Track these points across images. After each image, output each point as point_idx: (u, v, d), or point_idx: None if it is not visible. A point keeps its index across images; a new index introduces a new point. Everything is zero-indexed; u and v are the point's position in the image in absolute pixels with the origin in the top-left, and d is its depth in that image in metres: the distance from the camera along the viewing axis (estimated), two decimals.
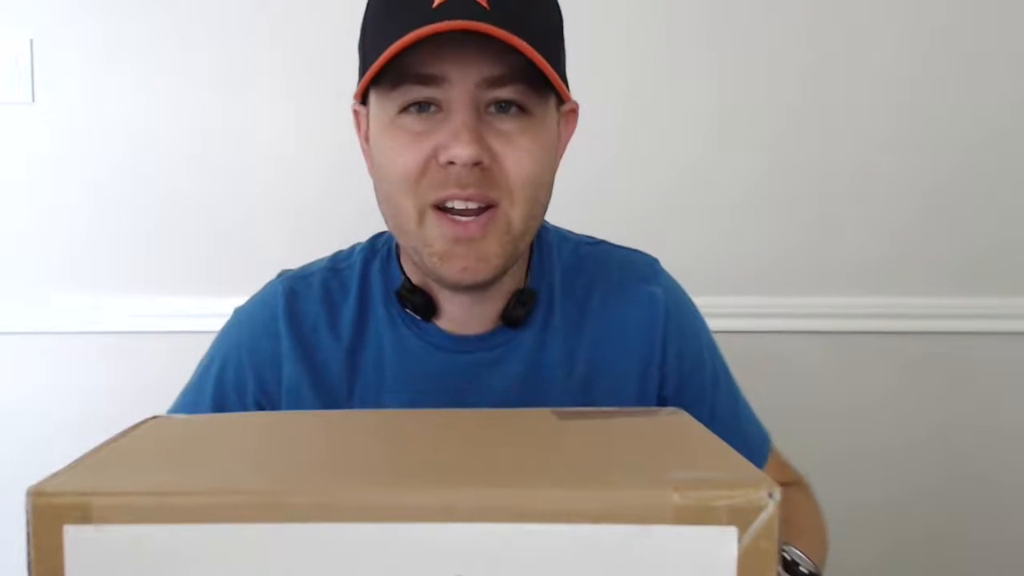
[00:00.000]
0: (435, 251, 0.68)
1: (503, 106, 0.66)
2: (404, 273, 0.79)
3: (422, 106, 0.67)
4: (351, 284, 0.79)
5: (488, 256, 0.68)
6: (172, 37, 1.45)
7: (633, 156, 1.46)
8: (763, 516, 0.40)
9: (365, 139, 0.74)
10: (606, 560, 0.40)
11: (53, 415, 1.47)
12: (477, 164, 0.65)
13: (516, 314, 0.77)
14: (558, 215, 0.81)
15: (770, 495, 0.40)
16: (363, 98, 0.72)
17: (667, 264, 0.86)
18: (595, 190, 1.43)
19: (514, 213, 0.68)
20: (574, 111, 0.76)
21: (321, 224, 1.42)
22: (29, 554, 0.41)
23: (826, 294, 1.49)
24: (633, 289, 0.80)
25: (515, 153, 0.66)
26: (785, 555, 0.57)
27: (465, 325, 0.78)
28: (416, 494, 0.41)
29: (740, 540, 0.40)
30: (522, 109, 0.67)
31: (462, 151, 0.64)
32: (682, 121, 1.46)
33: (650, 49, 1.44)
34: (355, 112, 0.76)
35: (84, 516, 0.40)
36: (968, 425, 1.51)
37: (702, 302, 0.87)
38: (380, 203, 0.73)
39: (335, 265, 0.81)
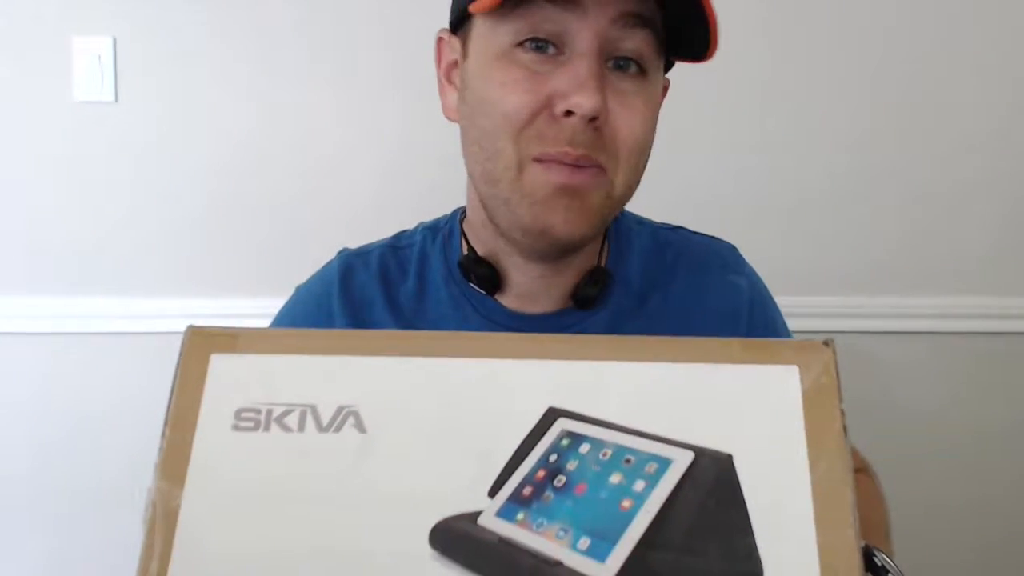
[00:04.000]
0: (537, 199, 0.62)
1: (622, 64, 0.62)
2: (469, 244, 0.74)
3: (540, 44, 0.61)
4: (410, 263, 0.76)
5: (591, 210, 0.63)
6: (253, 35, 1.44)
7: (721, 153, 1.47)
8: (821, 355, 0.46)
9: (447, 73, 0.69)
10: (682, 393, 0.45)
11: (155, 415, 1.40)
12: (593, 120, 0.60)
13: (588, 293, 0.71)
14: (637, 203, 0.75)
15: (825, 343, 0.46)
16: (456, 26, 0.67)
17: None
18: (677, 183, 1.37)
19: (618, 179, 0.64)
20: (666, 88, 0.71)
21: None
22: (174, 382, 0.46)
23: (909, 295, 1.48)
24: (716, 277, 0.76)
25: (629, 114, 0.62)
26: (875, 560, 0.55)
27: (533, 301, 0.72)
28: (513, 337, 0.48)
29: (802, 377, 0.45)
30: (641, 69, 0.63)
31: (586, 101, 0.59)
32: (774, 120, 1.48)
33: (737, 48, 1.34)
34: (439, 40, 0.70)
35: (231, 346, 0.47)
36: None
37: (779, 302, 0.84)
38: (469, 144, 0.66)
39: (396, 243, 0.78)
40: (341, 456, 0.44)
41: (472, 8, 0.63)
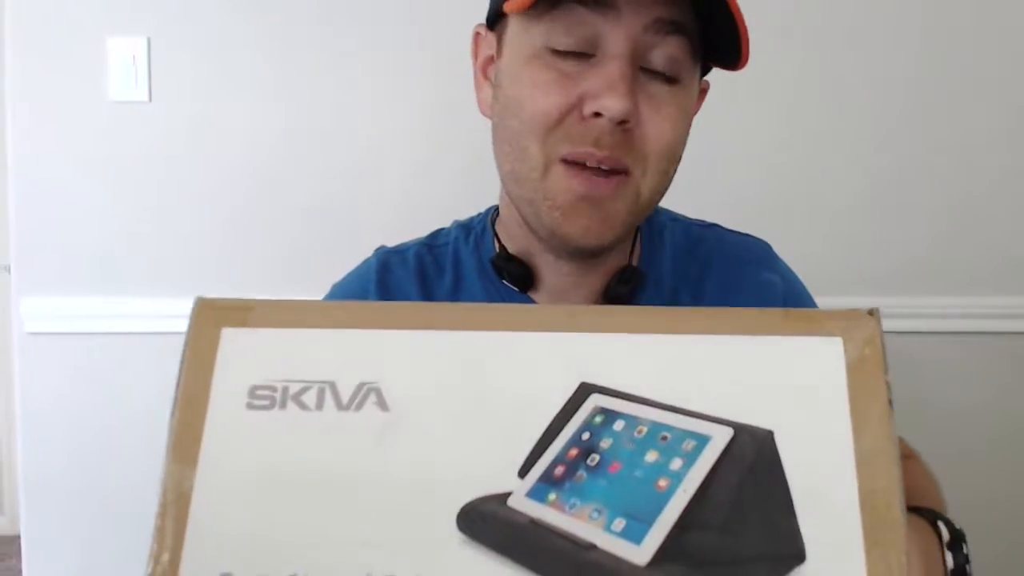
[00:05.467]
0: (558, 205, 0.62)
1: (656, 70, 0.62)
2: (500, 243, 0.74)
3: (573, 47, 0.61)
4: (446, 262, 0.76)
5: (613, 219, 0.63)
6: (285, 35, 1.47)
7: (752, 153, 1.49)
8: (866, 325, 0.43)
9: (483, 68, 0.69)
10: (720, 367, 0.43)
11: None
12: (623, 123, 0.60)
13: (619, 291, 0.70)
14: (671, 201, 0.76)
15: (869, 312, 0.44)
16: (492, 22, 0.67)
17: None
18: (708, 183, 1.38)
19: (644, 183, 0.63)
20: (704, 91, 0.71)
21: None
22: (183, 358, 0.44)
23: (943, 295, 1.50)
24: (749, 275, 0.75)
25: (660, 119, 0.62)
26: (944, 526, 0.54)
27: (565, 299, 0.72)
28: (545, 309, 0.45)
29: (846, 348, 0.43)
30: (674, 75, 0.62)
31: (615, 104, 0.59)
32: (805, 120, 1.50)
33: (767, 49, 1.40)
34: (476, 35, 0.70)
35: (243, 319, 0.44)
36: None
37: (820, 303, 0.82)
38: (499, 143, 0.66)
39: (433, 241, 0.78)
40: (362, 435, 0.42)
41: (506, 7, 0.63)
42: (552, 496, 0.41)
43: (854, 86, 1.49)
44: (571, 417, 0.42)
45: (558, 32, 0.61)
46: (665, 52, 0.61)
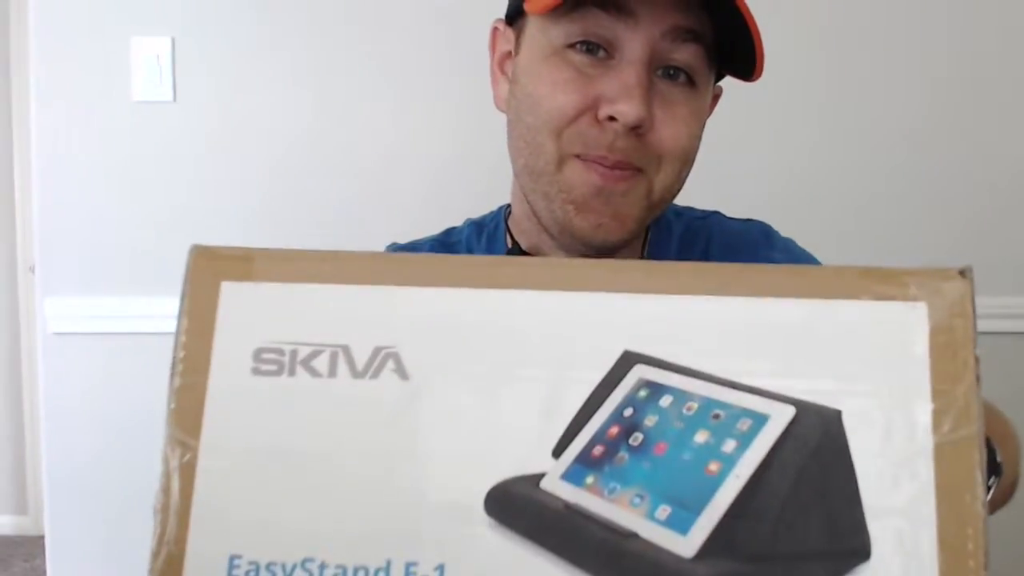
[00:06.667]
0: (572, 198, 0.63)
1: (672, 73, 0.63)
2: (513, 238, 0.74)
3: (591, 47, 0.62)
4: None
5: (625, 216, 0.64)
6: (308, 34, 1.47)
7: (776, 153, 1.49)
8: (955, 288, 0.38)
9: (500, 63, 0.69)
10: (783, 335, 0.38)
11: None
12: (636, 128, 0.61)
13: None
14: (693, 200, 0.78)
15: (961, 273, 0.38)
16: (512, 18, 0.67)
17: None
18: (732, 182, 1.37)
19: (657, 182, 0.64)
20: (717, 96, 0.72)
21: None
22: (181, 315, 0.40)
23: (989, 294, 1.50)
24: (748, 258, 0.76)
25: (675, 123, 0.63)
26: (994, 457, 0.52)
27: None
28: (584, 265, 0.40)
29: (930, 315, 0.37)
30: (690, 80, 0.63)
31: (630, 110, 0.60)
32: (831, 119, 1.49)
33: (790, 47, 1.43)
34: (494, 30, 0.70)
35: (246, 272, 0.40)
36: None
37: None
38: (514, 139, 0.67)
39: (445, 238, 0.79)
40: (379, 407, 0.38)
41: (527, 7, 0.64)
42: (590, 479, 0.37)
43: (878, 83, 1.49)
44: (612, 390, 0.38)
45: (577, 33, 0.61)
46: (681, 58, 0.62)
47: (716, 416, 0.37)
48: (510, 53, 0.68)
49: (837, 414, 0.37)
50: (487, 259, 0.39)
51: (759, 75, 0.64)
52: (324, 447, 0.38)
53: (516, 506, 0.37)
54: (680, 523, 0.36)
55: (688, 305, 0.38)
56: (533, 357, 0.38)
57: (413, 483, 0.37)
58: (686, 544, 0.36)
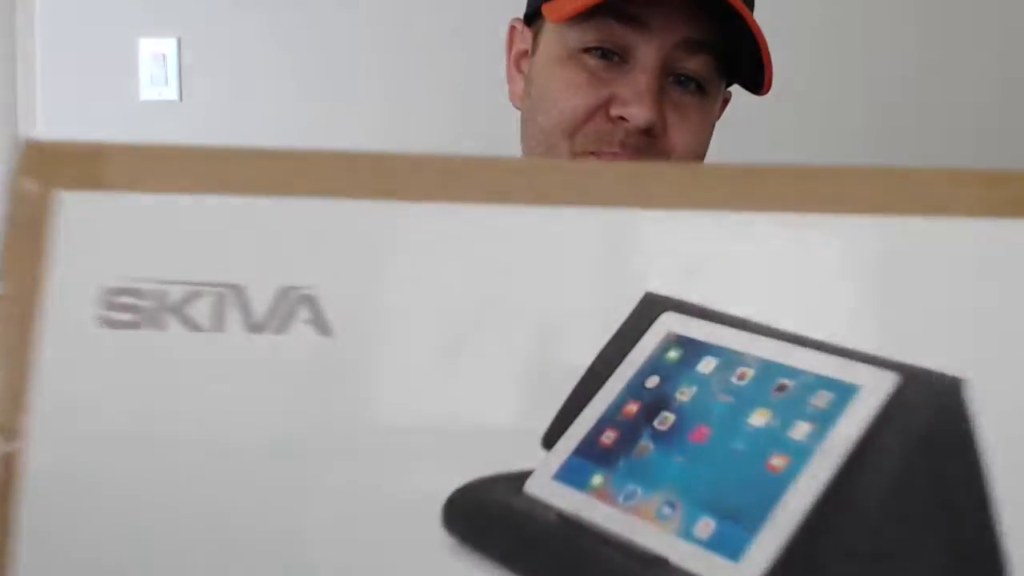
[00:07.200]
0: None
1: (683, 81, 0.65)
2: None
3: (606, 52, 0.64)
4: None
5: None
6: (315, 36, 1.47)
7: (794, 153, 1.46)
8: None
9: (516, 62, 0.72)
10: (875, 270, 0.26)
11: None
12: (647, 131, 0.63)
13: None
14: None
15: None
16: (530, 18, 0.70)
17: None
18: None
19: None
20: (726, 101, 0.74)
21: None
22: (2, 236, 0.27)
23: None
24: None
25: (685, 127, 0.66)
26: None
27: None
28: (585, 168, 0.28)
29: None
30: (700, 87, 0.66)
31: (641, 113, 0.62)
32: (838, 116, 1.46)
33: (799, 45, 1.42)
34: (512, 28, 0.73)
35: (94, 176, 0.27)
36: None
37: None
38: (527, 137, 0.69)
39: None
40: (287, 374, 0.26)
41: (545, 12, 0.66)
42: (597, 479, 0.25)
43: (879, 86, 1.45)
44: (630, 350, 0.26)
45: (592, 39, 0.64)
46: (692, 67, 0.65)
47: (781, 388, 0.25)
48: (526, 52, 0.71)
49: (956, 383, 0.25)
50: (444, 159, 0.26)
51: (768, 89, 0.68)
52: (208, 433, 0.26)
53: (488, 519, 0.25)
54: (729, 544, 0.24)
55: (737, 226, 0.26)
56: (513, 301, 0.26)
57: (339, 485, 0.25)
58: (738, 574, 0.24)
